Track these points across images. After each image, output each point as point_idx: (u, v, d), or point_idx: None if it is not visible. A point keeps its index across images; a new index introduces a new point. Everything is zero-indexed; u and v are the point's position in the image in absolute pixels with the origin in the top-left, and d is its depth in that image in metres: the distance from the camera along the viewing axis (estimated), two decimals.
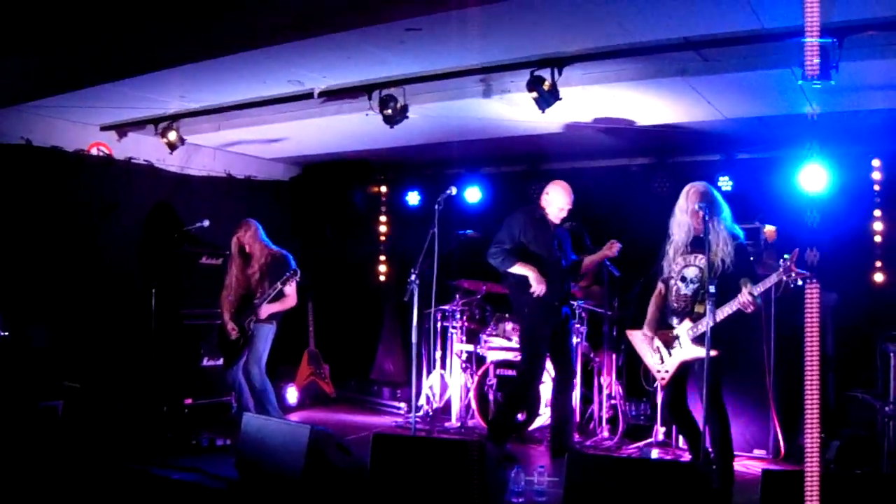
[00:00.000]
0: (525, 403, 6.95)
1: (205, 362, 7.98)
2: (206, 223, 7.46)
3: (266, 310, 6.81)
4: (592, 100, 6.41)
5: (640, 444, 6.99)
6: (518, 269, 6.38)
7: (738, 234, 5.36)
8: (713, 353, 4.94)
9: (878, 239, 7.08)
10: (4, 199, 7.12)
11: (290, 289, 6.96)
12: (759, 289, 5.01)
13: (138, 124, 7.78)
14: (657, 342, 5.53)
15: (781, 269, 4.88)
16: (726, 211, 5.37)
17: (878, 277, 7.07)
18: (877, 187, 7.11)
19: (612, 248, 6.52)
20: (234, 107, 7.07)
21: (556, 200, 6.45)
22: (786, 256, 4.89)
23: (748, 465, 6.36)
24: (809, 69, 3.40)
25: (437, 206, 6.25)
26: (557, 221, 6.52)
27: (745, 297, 5.01)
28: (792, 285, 4.87)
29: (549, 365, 6.98)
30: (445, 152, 8.70)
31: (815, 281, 3.15)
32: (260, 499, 5.28)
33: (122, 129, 7.96)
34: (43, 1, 4.88)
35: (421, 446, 5.12)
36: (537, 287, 6.28)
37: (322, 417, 8.30)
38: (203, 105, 7.13)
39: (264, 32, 5.20)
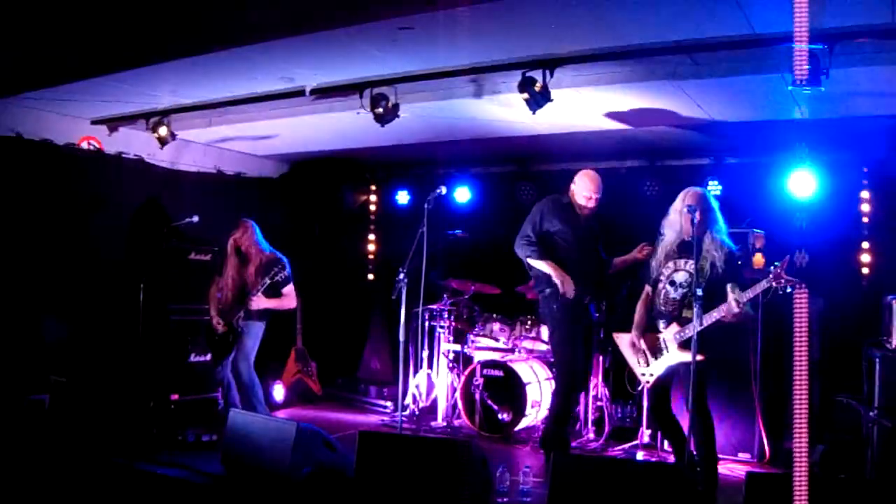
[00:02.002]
0: (570, 412, 6.50)
1: (192, 358, 7.93)
2: (196, 219, 7.44)
3: (262, 304, 6.79)
4: (583, 102, 6.41)
5: (626, 445, 7.02)
6: (540, 265, 6.11)
7: (731, 247, 5.37)
8: (699, 357, 4.96)
9: (865, 245, 7.10)
10: None
11: (288, 289, 6.95)
12: (747, 295, 5.03)
13: (129, 119, 7.74)
14: (643, 346, 5.55)
15: (771, 276, 4.88)
16: (721, 223, 5.40)
17: (865, 283, 7.10)
18: (865, 193, 7.13)
19: (643, 251, 6.20)
20: (225, 103, 7.05)
21: (581, 188, 6.20)
22: (776, 263, 4.90)
23: (732, 468, 6.38)
24: (799, 74, 3.42)
25: (426, 206, 6.26)
26: (586, 211, 6.23)
27: (729, 306, 5.04)
28: (781, 292, 4.89)
29: (541, 367, 6.98)
30: (435, 152, 8.72)
31: (803, 287, 3.17)
32: (246, 495, 5.28)
33: (112, 123, 7.92)
34: None
35: (407, 445, 5.13)
36: (562, 287, 6.00)
37: (308, 415, 8.28)
38: (194, 101, 7.10)
39: (256, 29, 5.18)
